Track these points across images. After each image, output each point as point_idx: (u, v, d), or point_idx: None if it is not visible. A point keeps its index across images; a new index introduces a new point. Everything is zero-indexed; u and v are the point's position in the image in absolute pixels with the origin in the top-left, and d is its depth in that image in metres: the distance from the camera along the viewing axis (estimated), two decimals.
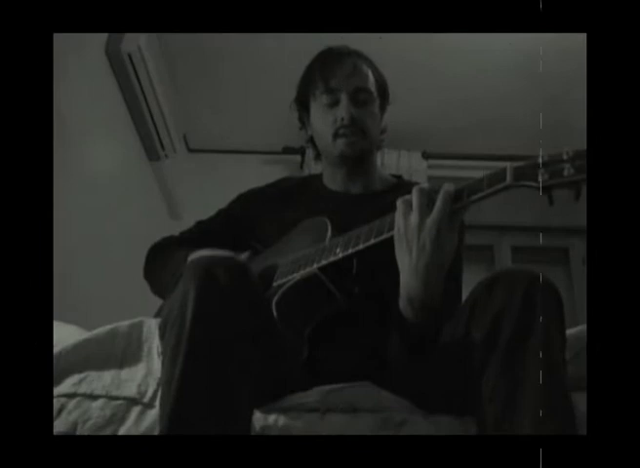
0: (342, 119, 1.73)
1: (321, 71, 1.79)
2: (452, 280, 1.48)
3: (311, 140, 1.89)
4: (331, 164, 1.84)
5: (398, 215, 1.32)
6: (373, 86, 1.80)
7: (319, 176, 1.92)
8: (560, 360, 1.21)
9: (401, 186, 1.83)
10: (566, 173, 1.16)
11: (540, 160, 1.21)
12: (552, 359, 1.19)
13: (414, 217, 1.29)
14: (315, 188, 1.88)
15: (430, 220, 1.27)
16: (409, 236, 1.29)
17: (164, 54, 3.36)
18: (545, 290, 1.23)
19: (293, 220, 1.73)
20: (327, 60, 1.81)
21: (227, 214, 1.92)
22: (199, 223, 1.95)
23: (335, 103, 1.75)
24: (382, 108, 1.86)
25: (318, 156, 1.90)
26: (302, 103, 1.87)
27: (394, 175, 1.94)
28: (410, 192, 1.32)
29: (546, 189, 1.19)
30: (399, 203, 1.33)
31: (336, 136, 1.74)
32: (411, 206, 1.30)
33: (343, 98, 1.74)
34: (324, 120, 1.77)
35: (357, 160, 1.78)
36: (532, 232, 4.13)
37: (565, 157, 1.18)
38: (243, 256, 1.72)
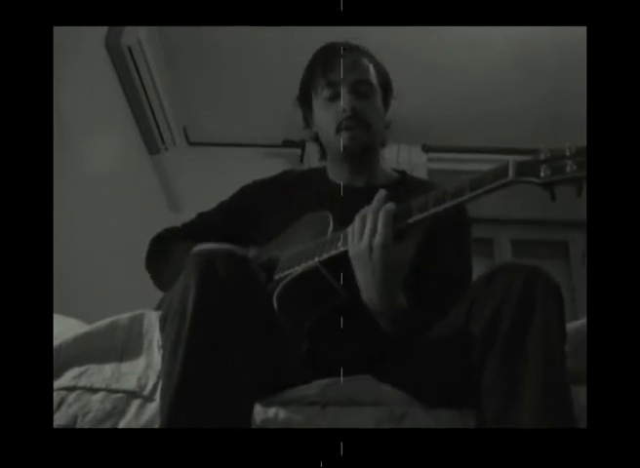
0: (344, 111, 1.72)
1: (321, 66, 1.79)
2: (462, 286, 1.51)
3: (316, 139, 1.88)
4: (335, 159, 1.84)
5: (350, 233, 1.39)
6: (374, 78, 1.79)
7: (322, 170, 1.92)
8: (560, 353, 1.21)
9: (405, 182, 1.83)
10: (568, 169, 1.16)
11: (543, 156, 1.21)
12: (552, 352, 1.19)
13: (363, 243, 1.35)
14: (318, 181, 1.87)
15: (376, 245, 1.33)
16: (360, 258, 1.36)
17: (164, 47, 3.36)
18: (545, 283, 1.24)
19: (295, 213, 1.72)
20: (326, 56, 1.81)
21: (229, 206, 1.92)
22: (200, 215, 1.95)
23: (336, 97, 1.75)
24: (386, 102, 1.85)
25: (324, 156, 1.90)
26: (305, 101, 1.86)
27: (398, 171, 1.94)
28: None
29: (548, 185, 1.19)
30: (356, 218, 1.39)
31: (339, 129, 1.74)
32: (363, 224, 1.36)
33: (344, 91, 1.74)
34: (326, 114, 1.77)
35: (361, 155, 1.78)
36: (532, 226, 4.13)
37: (567, 153, 1.18)
38: (251, 252, 1.72)
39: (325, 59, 1.80)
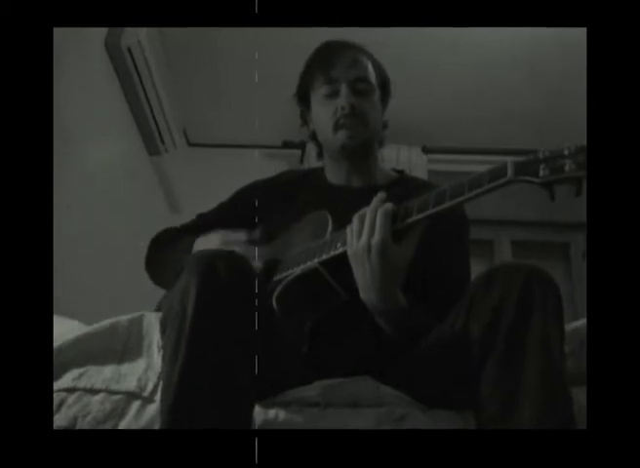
0: (343, 108, 1.72)
1: (320, 64, 1.79)
2: (461, 285, 1.52)
3: (314, 137, 1.88)
4: (333, 158, 1.83)
5: (349, 233, 1.40)
6: (372, 77, 1.79)
7: (321, 170, 1.91)
8: (559, 353, 1.21)
9: (403, 181, 1.83)
10: (567, 168, 1.16)
11: (542, 155, 1.21)
12: (551, 352, 1.19)
13: (362, 241, 1.36)
14: (317, 182, 1.87)
15: (374, 245, 1.34)
16: (358, 257, 1.37)
17: (164, 48, 3.35)
18: (544, 283, 1.24)
19: (294, 214, 1.72)
20: (326, 53, 1.81)
21: (229, 207, 1.91)
22: (200, 216, 1.95)
23: (334, 94, 1.75)
24: (384, 101, 1.85)
25: (320, 154, 1.90)
26: (303, 98, 1.86)
27: (396, 170, 1.94)
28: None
29: (547, 185, 1.19)
30: (354, 218, 1.40)
31: (336, 127, 1.73)
32: (361, 225, 1.37)
33: (343, 88, 1.73)
34: (324, 111, 1.77)
35: (359, 153, 1.77)
36: (532, 227, 4.13)
37: (566, 153, 1.18)
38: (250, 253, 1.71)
39: (324, 57, 1.80)
